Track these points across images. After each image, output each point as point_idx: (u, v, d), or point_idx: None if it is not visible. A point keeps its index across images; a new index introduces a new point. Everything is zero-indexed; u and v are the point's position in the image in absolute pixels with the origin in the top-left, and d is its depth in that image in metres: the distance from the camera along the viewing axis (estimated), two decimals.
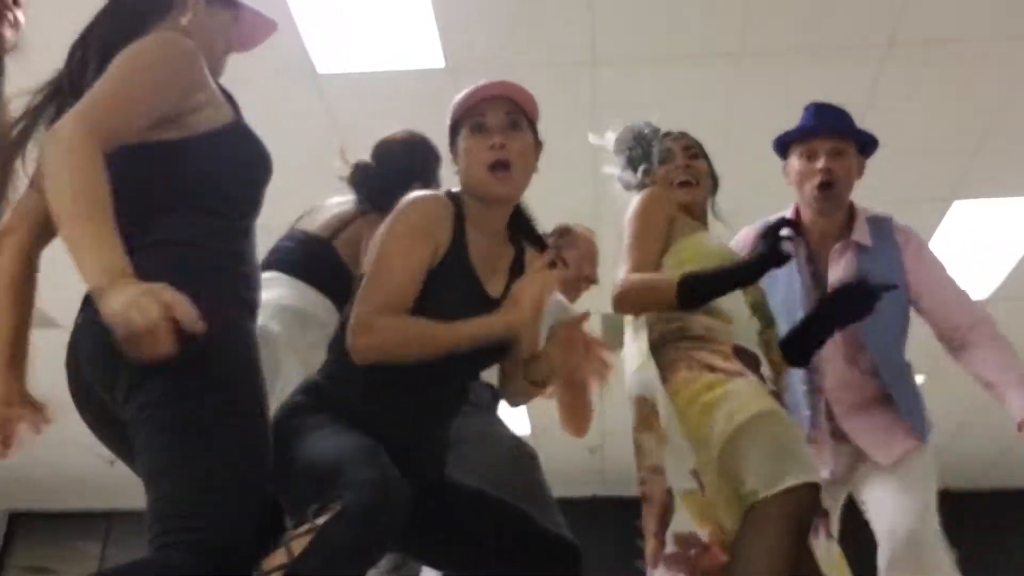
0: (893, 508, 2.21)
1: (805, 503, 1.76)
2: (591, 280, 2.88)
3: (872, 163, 2.49)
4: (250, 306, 1.55)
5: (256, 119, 1.68)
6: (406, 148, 2.45)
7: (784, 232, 1.96)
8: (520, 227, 1.91)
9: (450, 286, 1.74)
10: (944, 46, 3.63)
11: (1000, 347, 2.30)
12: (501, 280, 1.84)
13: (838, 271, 2.41)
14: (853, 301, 2.10)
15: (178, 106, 1.51)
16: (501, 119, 1.81)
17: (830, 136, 2.40)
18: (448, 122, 1.88)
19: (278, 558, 1.45)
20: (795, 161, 2.45)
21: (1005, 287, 5.29)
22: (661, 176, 2.23)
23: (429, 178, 2.35)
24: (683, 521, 1.85)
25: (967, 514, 7.75)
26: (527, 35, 3.65)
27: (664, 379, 1.96)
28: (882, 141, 2.43)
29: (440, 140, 3.71)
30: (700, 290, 1.97)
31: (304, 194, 2.57)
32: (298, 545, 1.43)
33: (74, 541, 9.17)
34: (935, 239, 4.80)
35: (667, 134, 2.29)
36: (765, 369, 2.02)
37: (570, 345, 1.80)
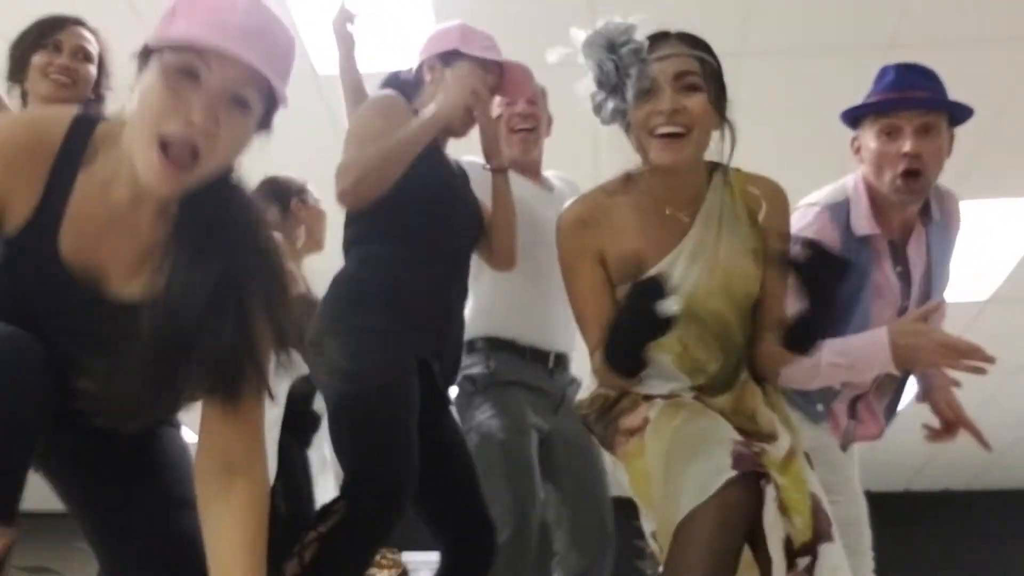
0: None
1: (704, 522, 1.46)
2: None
3: None
4: None
5: None
6: None
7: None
8: None
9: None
10: (944, 46, 3.63)
11: None
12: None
13: (918, 252, 2.10)
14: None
15: None
16: None
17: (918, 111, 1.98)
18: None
19: (291, 568, 1.47)
20: (870, 139, 2.00)
21: (1005, 288, 5.28)
22: (640, 120, 1.62)
23: None
24: None
25: (966, 514, 7.74)
26: (527, 36, 3.64)
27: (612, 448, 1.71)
28: None
29: None
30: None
31: None
32: (308, 553, 1.47)
33: (74, 541, 9.10)
34: None
35: (655, 40, 1.71)
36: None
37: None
